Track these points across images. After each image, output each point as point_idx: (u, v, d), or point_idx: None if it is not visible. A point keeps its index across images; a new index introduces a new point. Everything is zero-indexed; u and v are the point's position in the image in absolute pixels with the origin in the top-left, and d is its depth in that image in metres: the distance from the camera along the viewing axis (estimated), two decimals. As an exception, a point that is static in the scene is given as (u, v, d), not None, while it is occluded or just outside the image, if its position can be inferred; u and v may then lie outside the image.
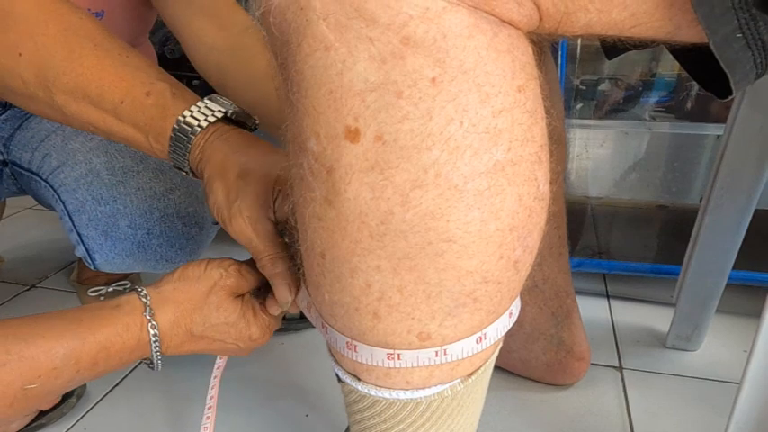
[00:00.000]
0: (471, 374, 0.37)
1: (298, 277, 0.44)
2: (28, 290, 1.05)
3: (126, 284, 0.98)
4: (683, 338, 0.85)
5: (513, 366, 0.77)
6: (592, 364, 0.82)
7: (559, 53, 0.95)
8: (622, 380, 0.79)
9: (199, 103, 0.47)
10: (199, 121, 0.46)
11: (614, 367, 0.82)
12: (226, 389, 0.77)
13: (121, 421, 0.72)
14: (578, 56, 1.02)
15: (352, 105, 0.29)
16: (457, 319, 0.33)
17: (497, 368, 0.80)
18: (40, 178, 0.76)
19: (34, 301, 1.01)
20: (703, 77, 0.40)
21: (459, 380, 0.37)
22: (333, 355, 0.40)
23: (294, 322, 0.89)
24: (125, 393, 0.77)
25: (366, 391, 0.37)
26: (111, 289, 0.96)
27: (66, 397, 0.71)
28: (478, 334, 0.35)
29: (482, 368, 0.37)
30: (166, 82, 0.48)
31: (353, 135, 0.29)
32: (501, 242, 0.31)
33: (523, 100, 0.30)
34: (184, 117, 0.46)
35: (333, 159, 0.30)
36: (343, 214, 0.31)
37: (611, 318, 0.94)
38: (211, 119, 0.47)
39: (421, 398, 0.36)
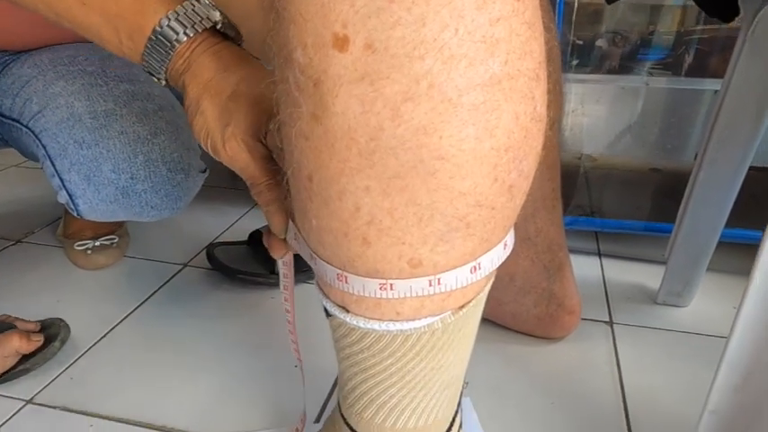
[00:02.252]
0: (463, 307, 0.36)
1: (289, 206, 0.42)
2: (14, 244, 1.03)
3: (113, 239, 0.96)
4: (673, 294, 0.85)
5: (503, 320, 0.77)
6: (582, 318, 0.82)
7: (556, 9, 0.93)
8: (612, 334, 0.79)
9: (185, 5, 0.43)
10: (185, 27, 0.42)
11: (605, 322, 0.82)
12: (214, 341, 0.77)
13: (108, 372, 0.72)
14: (575, 10, 0.99)
15: (341, 11, 0.27)
16: (449, 245, 0.32)
17: (487, 321, 0.81)
18: (21, 124, 0.74)
19: (20, 256, 0.99)
20: (707, 2, 0.38)
21: (449, 312, 0.36)
22: (321, 288, 0.39)
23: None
24: (111, 345, 0.77)
25: (355, 323, 0.36)
26: (98, 243, 0.94)
27: (49, 341, 0.71)
28: (473, 263, 0.34)
29: (474, 301, 0.37)
30: None
31: (342, 43, 0.27)
32: (496, 163, 0.30)
33: (522, 9, 0.28)
34: (169, 20, 0.42)
35: (320, 70, 0.28)
36: (330, 131, 0.29)
37: (603, 275, 0.94)
38: (199, 27, 0.43)
39: (411, 330, 0.36)
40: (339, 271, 0.34)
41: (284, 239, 0.43)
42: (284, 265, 0.48)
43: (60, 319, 0.75)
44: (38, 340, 0.69)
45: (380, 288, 0.34)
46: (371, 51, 0.27)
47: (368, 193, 0.30)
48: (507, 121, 0.29)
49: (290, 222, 0.40)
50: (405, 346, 0.37)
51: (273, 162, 0.42)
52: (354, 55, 0.27)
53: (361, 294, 0.34)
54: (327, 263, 0.35)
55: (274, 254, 0.45)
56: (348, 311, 0.36)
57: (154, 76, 0.45)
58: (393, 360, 0.37)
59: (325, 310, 0.39)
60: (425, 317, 0.35)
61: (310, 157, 0.31)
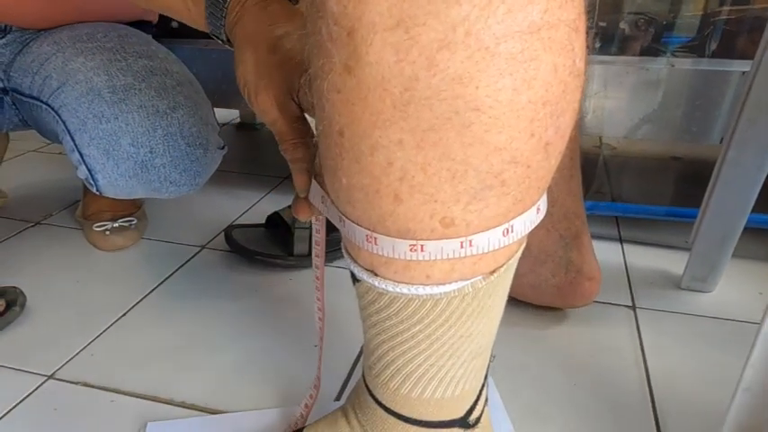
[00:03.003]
0: (494, 272, 0.35)
1: (316, 167, 0.42)
2: (33, 226, 1.04)
3: (132, 221, 0.97)
4: (698, 279, 0.84)
5: (522, 293, 0.75)
6: (604, 303, 0.81)
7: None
8: (636, 318, 0.78)
9: None
10: None
11: (627, 306, 0.81)
12: (231, 322, 0.77)
13: (128, 350, 0.72)
14: (599, -8, 0.98)
15: None
16: (483, 203, 0.31)
17: (508, 301, 0.79)
18: (41, 101, 0.74)
19: (39, 237, 1.00)
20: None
21: (481, 277, 0.35)
22: (348, 252, 0.38)
23: (303, 259, 0.88)
24: (131, 323, 0.77)
25: (384, 287, 0.35)
26: (116, 224, 0.95)
27: (9, 306, 0.74)
28: (505, 225, 0.33)
29: (505, 266, 0.36)
30: None
31: (377, -11, 0.27)
32: (533, 117, 0.29)
33: (563, -46, 0.27)
34: None
35: (354, 18, 0.27)
36: (364, 82, 0.28)
37: (625, 261, 0.92)
38: None
39: (440, 294, 0.35)
40: (368, 232, 0.34)
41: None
42: (317, 222, 0.49)
43: (14, 287, 0.77)
44: None
45: (411, 249, 0.33)
46: None
47: (401, 147, 0.29)
48: (546, 73, 0.28)
49: (317, 185, 0.40)
50: (434, 312, 0.36)
51: (303, 121, 0.42)
52: (390, 1, 0.26)
53: (391, 256, 0.34)
54: (357, 223, 0.34)
55: (300, 216, 0.44)
56: (376, 275, 0.36)
57: (217, 38, 0.47)
58: (422, 327, 0.37)
59: (352, 276, 0.39)
60: (456, 281, 0.35)
61: (342, 111, 0.30)
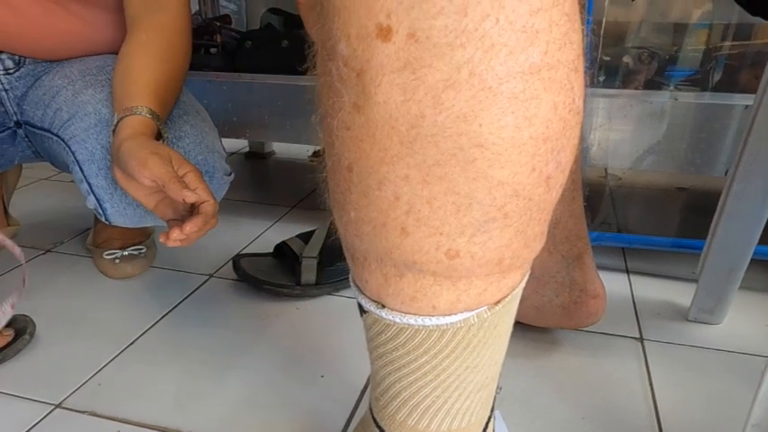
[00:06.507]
0: (498, 302, 0.36)
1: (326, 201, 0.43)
2: (44, 254, 1.05)
3: (141, 249, 0.98)
4: (705, 311, 0.84)
5: (527, 316, 0.75)
6: (611, 334, 0.81)
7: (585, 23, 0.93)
8: (643, 351, 0.77)
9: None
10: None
11: (635, 338, 0.80)
12: (239, 351, 0.77)
13: (135, 379, 0.72)
14: (603, 26, 1.00)
15: (385, 1, 0.27)
16: (486, 235, 0.32)
17: (514, 335, 0.79)
18: (52, 133, 0.76)
19: (49, 265, 1.01)
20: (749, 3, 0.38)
21: (485, 307, 0.36)
22: (356, 285, 0.39)
23: (309, 288, 0.89)
24: (139, 352, 0.77)
25: (391, 318, 0.36)
26: (126, 252, 0.96)
27: (19, 334, 0.75)
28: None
29: (509, 297, 0.36)
30: None
31: (385, 33, 0.28)
32: (534, 152, 0.30)
33: (562, 0, 0.28)
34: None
35: (363, 61, 0.29)
36: (372, 120, 0.30)
37: (632, 292, 0.92)
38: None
39: (447, 325, 0.35)
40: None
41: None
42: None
43: (24, 315, 0.79)
44: (8, 335, 0.74)
45: None
46: (414, 41, 0.28)
47: (407, 182, 0.30)
48: (546, 111, 0.29)
49: None
50: (440, 343, 0.36)
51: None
52: (397, 45, 0.28)
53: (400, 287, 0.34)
54: (364, 256, 0.35)
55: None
56: (384, 307, 0.36)
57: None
58: (428, 357, 0.37)
59: (360, 308, 0.39)
60: (461, 311, 0.35)
61: (351, 147, 0.31)
